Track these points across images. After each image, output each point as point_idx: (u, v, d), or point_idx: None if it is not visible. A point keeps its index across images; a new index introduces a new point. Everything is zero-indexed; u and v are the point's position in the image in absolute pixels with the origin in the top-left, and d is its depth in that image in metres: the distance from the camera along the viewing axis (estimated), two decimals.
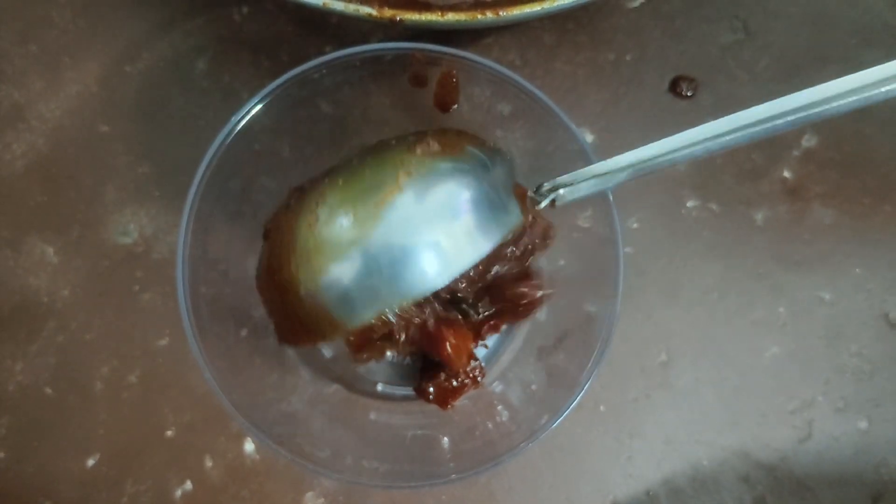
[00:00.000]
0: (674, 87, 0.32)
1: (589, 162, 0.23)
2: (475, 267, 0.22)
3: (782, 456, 0.31)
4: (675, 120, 0.32)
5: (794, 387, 0.31)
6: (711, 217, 0.32)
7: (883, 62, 0.32)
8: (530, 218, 0.23)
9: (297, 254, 0.21)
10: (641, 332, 0.31)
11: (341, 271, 0.20)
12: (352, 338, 0.24)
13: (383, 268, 0.20)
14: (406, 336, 0.23)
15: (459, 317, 0.26)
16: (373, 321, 0.21)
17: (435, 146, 0.22)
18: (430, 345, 0.25)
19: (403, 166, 0.21)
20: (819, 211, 0.32)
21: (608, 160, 0.22)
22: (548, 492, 0.31)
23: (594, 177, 0.22)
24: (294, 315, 0.22)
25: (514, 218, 0.22)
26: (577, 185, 0.22)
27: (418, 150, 0.22)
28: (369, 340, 0.24)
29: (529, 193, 0.23)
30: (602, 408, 0.31)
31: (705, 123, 0.20)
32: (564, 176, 0.23)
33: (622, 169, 0.21)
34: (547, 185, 0.23)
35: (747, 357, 0.32)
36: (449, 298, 0.25)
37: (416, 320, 0.23)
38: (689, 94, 0.32)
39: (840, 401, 0.31)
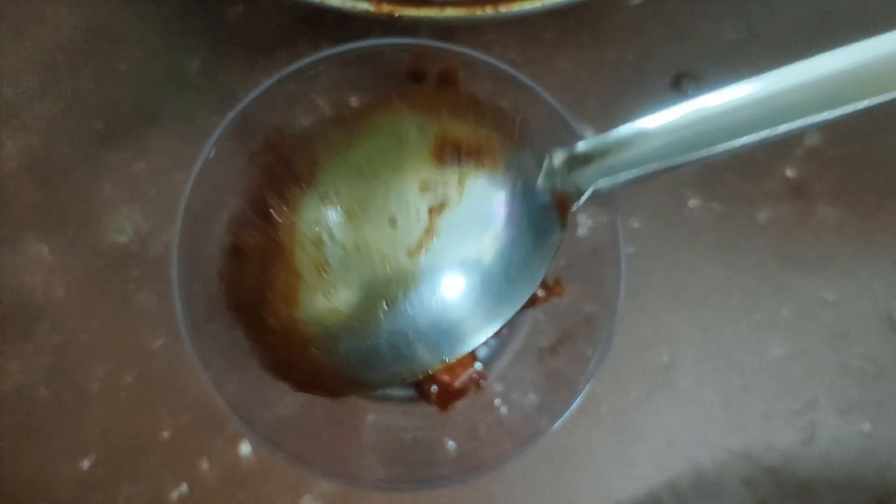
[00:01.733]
0: (676, 84, 0.32)
1: None
2: None
3: (785, 458, 0.31)
4: None
5: (797, 388, 0.31)
6: (714, 216, 0.32)
7: None
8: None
9: (303, 306, 0.17)
10: (643, 332, 0.31)
11: (368, 338, 0.17)
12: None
13: (421, 330, 0.17)
14: None
15: None
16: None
17: (462, 149, 0.17)
18: None
19: (430, 190, 0.17)
20: (823, 210, 0.32)
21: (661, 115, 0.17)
22: (549, 494, 0.31)
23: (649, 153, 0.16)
24: (296, 365, 0.18)
25: (557, 237, 0.18)
26: (620, 162, 0.17)
27: (445, 161, 0.17)
28: None
29: (568, 191, 0.18)
30: (603, 409, 0.31)
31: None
32: (585, 144, 0.18)
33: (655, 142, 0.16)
34: (560, 156, 0.18)
35: (750, 358, 0.31)
36: None
37: None
38: (691, 91, 0.32)
39: (843, 402, 0.31)
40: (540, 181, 0.19)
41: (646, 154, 0.17)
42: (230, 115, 0.24)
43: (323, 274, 0.17)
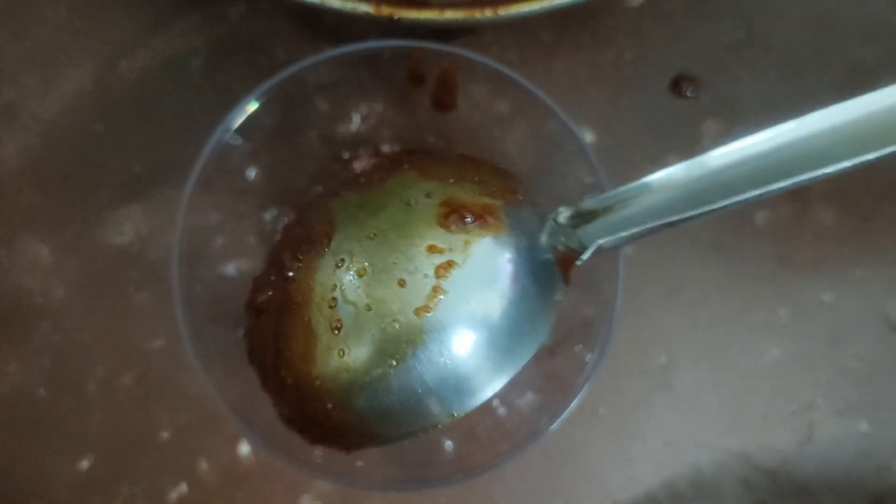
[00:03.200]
0: (675, 86, 0.32)
1: (589, 161, 0.22)
2: None
3: (783, 459, 0.31)
4: (676, 119, 0.32)
5: (794, 389, 0.31)
6: (711, 218, 0.31)
7: (884, 62, 0.32)
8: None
9: (318, 362, 0.18)
10: (641, 334, 0.31)
11: (380, 394, 0.18)
12: None
13: (430, 386, 0.17)
14: None
15: None
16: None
17: (468, 218, 0.18)
18: None
19: (437, 253, 0.18)
20: (820, 212, 0.32)
21: (659, 176, 0.17)
22: (547, 494, 0.31)
23: (645, 210, 0.17)
24: (313, 418, 0.19)
25: (560, 293, 0.19)
26: (619, 221, 0.18)
27: (452, 227, 0.18)
28: None
29: (570, 248, 0.19)
30: (601, 410, 0.31)
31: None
32: (590, 201, 0.18)
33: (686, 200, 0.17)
34: (565, 213, 0.19)
35: (747, 359, 0.31)
36: None
37: None
38: (690, 93, 0.32)
39: (841, 403, 0.31)
40: (544, 239, 0.19)
41: (649, 210, 0.18)
42: (230, 117, 0.24)
43: (336, 332, 0.18)
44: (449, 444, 0.28)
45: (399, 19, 0.24)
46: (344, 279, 0.18)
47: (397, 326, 0.18)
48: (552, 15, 0.25)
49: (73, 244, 0.31)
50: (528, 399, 0.28)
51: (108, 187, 0.31)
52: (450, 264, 0.18)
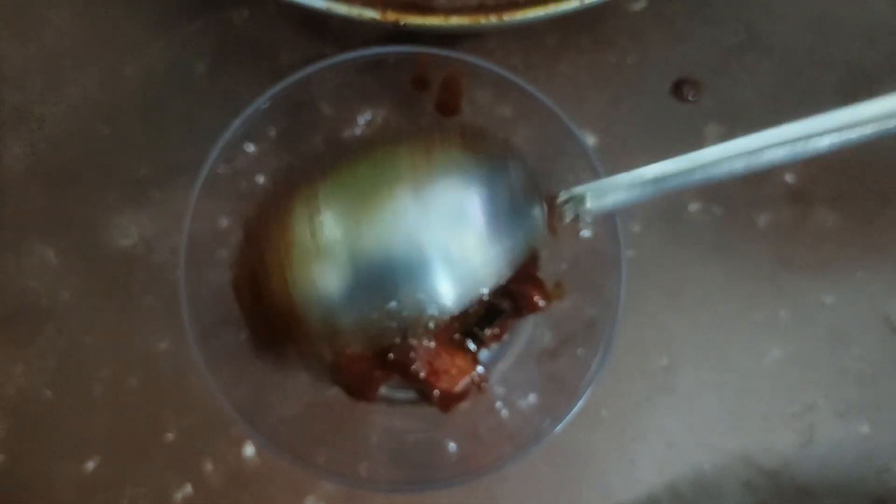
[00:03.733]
0: (676, 90, 0.32)
1: (591, 164, 0.23)
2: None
3: (784, 461, 0.31)
4: (678, 123, 0.32)
5: (795, 390, 0.31)
6: (714, 220, 0.32)
7: (885, 64, 0.32)
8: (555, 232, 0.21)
9: (292, 258, 0.19)
10: (643, 335, 0.31)
11: (342, 280, 0.19)
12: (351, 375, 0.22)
13: (397, 278, 0.18)
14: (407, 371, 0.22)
15: (466, 340, 0.25)
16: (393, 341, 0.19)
17: (451, 142, 0.20)
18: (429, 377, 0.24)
19: (414, 165, 0.19)
20: (822, 214, 0.32)
21: (632, 172, 0.20)
22: (550, 496, 0.31)
23: (618, 188, 0.20)
24: (282, 323, 0.20)
25: (538, 230, 0.20)
26: (601, 197, 0.20)
27: (434, 147, 0.20)
28: (369, 381, 0.23)
29: (559, 199, 0.21)
30: (604, 412, 0.31)
31: (743, 138, 0.19)
32: (580, 187, 0.21)
33: (648, 182, 0.19)
34: (563, 195, 0.21)
35: (749, 360, 0.31)
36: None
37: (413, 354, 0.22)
38: (691, 97, 0.32)
39: (842, 405, 0.31)
40: (526, 181, 0.21)
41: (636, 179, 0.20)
42: (236, 122, 0.24)
43: (309, 231, 0.19)
44: (452, 446, 0.28)
45: (404, 25, 0.24)
46: (326, 190, 0.20)
47: (366, 210, 0.19)
48: (556, 20, 0.25)
49: (79, 246, 0.31)
50: (530, 401, 0.28)
51: (114, 190, 0.31)
52: (425, 180, 0.19)
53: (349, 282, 0.19)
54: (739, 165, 0.18)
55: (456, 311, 0.19)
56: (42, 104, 0.32)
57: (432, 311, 0.19)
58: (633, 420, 0.31)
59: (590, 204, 0.20)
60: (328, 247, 0.19)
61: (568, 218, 0.21)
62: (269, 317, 0.20)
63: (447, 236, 0.19)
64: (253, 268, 0.20)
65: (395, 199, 0.19)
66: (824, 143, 0.17)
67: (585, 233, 0.28)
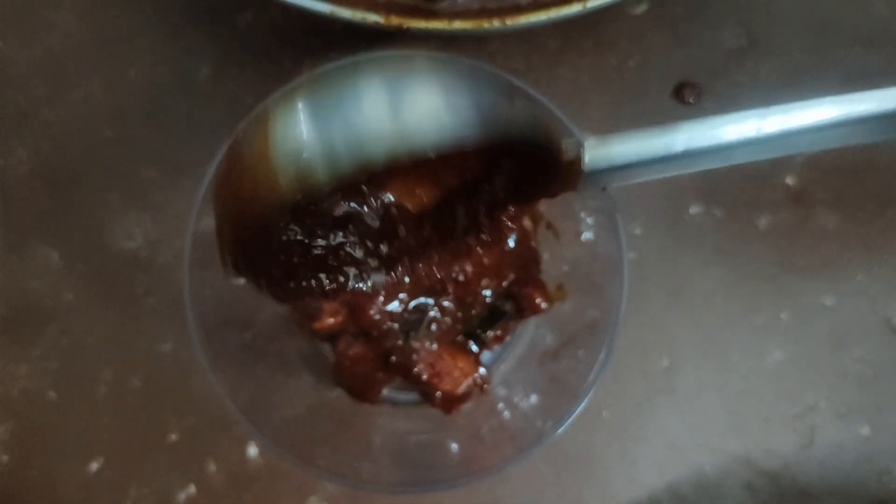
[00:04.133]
0: (677, 92, 0.32)
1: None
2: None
3: (785, 463, 0.31)
4: None
5: (796, 392, 0.31)
6: (715, 222, 0.32)
7: (885, 67, 0.32)
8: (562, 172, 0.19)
9: (273, 132, 0.18)
10: (644, 337, 0.31)
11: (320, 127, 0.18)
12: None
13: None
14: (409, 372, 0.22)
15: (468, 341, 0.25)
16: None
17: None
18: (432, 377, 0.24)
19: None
20: (822, 216, 0.32)
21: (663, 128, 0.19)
22: (551, 496, 0.31)
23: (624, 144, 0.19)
24: (260, 206, 0.19)
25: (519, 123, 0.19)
26: (603, 148, 0.19)
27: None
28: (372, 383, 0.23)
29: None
30: (605, 413, 0.31)
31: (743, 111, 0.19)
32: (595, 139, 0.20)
33: (653, 141, 0.19)
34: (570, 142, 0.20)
35: (750, 362, 0.32)
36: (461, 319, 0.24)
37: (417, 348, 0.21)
38: (692, 100, 0.32)
39: (843, 407, 0.31)
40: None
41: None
42: (241, 125, 0.24)
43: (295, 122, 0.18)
44: (454, 447, 0.28)
45: (408, 29, 0.24)
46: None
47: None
48: (558, 23, 0.25)
49: (83, 248, 0.31)
50: (532, 402, 0.28)
51: (118, 192, 0.32)
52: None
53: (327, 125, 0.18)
54: (746, 133, 0.19)
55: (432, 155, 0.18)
56: (46, 107, 0.32)
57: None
58: (634, 421, 0.31)
59: (589, 155, 0.20)
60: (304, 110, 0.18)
61: (567, 157, 0.20)
62: (247, 203, 0.19)
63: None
64: (232, 164, 0.20)
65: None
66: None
67: (587, 235, 0.28)
